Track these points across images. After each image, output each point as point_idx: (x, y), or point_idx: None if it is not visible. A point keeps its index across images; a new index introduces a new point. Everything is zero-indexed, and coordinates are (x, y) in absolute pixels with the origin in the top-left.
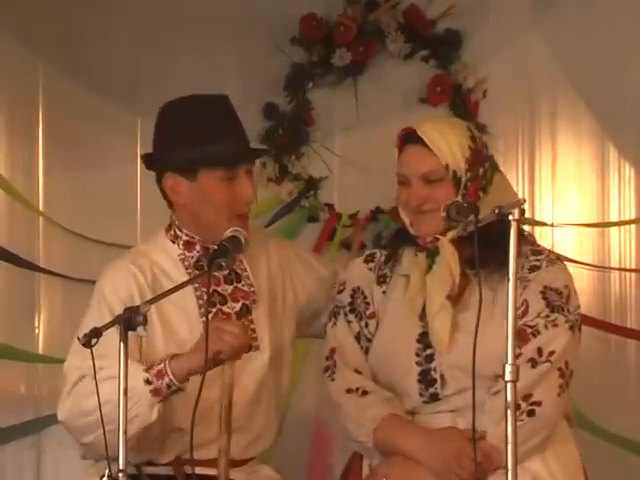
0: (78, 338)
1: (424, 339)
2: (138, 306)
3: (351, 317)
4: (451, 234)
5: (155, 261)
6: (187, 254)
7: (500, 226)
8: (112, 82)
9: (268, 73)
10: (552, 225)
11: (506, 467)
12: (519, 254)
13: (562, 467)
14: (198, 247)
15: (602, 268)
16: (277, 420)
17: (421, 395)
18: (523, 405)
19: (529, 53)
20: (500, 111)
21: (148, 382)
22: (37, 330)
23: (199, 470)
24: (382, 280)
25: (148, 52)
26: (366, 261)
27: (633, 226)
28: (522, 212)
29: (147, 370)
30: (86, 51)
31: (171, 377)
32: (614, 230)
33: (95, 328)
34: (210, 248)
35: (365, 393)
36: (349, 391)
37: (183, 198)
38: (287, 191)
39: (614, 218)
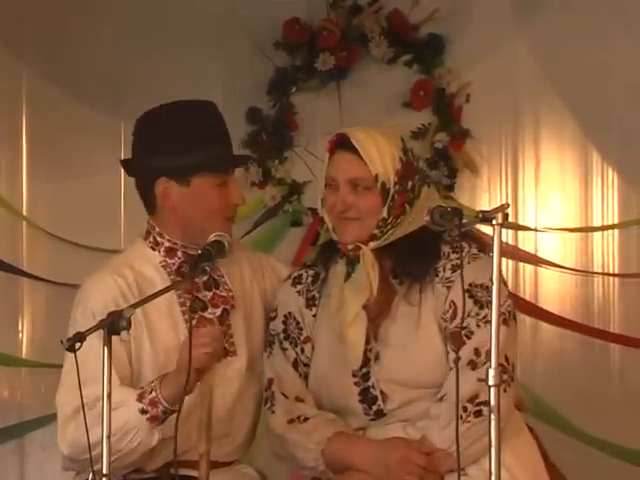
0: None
1: None
2: (122, 310)
3: (286, 344)
4: (373, 244)
5: (138, 270)
6: (169, 261)
7: (420, 237)
8: (96, 87)
9: (251, 77)
10: (535, 230)
11: (489, 471)
12: (439, 257)
13: (519, 460)
14: (180, 253)
15: (585, 273)
16: (257, 418)
17: (366, 414)
18: (469, 407)
19: (512, 58)
20: (483, 116)
21: (144, 412)
22: (21, 334)
23: (185, 472)
24: (311, 303)
25: (132, 57)
26: (294, 284)
27: (616, 231)
28: (506, 217)
29: (140, 399)
30: (70, 57)
31: (165, 405)
32: (597, 235)
33: (79, 333)
34: (192, 255)
35: (306, 419)
36: (290, 421)
37: (174, 202)
38: (270, 195)
39: (597, 223)
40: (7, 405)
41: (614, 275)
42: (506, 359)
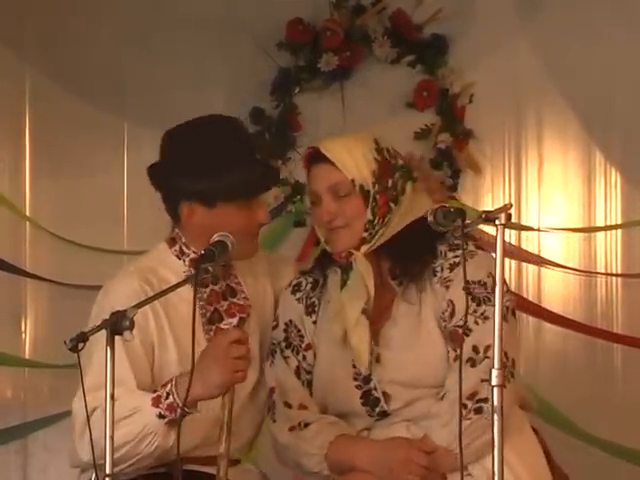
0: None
1: None
2: (125, 310)
3: (288, 352)
4: (365, 248)
5: (163, 278)
6: (193, 271)
7: (417, 237)
8: (99, 87)
9: (255, 78)
10: (538, 230)
11: (492, 471)
12: (436, 256)
13: (521, 459)
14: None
15: (588, 273)
16: (260, 426)
17: (370, 415)
18: (469, 404)
19: (515, 58)
20: (486, 116)
21: (162, 416)
22: (24, 335)
23: (196, 468)
24: (311, 310)
25: (135, 57)
26: (293, 292)
27: (619, 231)
28: (509, 217)
29: (156, 405)
30: (73, 56)
31: (185, 410)
32: (600, 235)
33: (82, 333)
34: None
35: (307, 425)
36: (292, 429)
37: (198, 220)
38: (274, 196)
39: (600, 223)
40: (10, 405)
41: (617, 275)
42: (505, 355)
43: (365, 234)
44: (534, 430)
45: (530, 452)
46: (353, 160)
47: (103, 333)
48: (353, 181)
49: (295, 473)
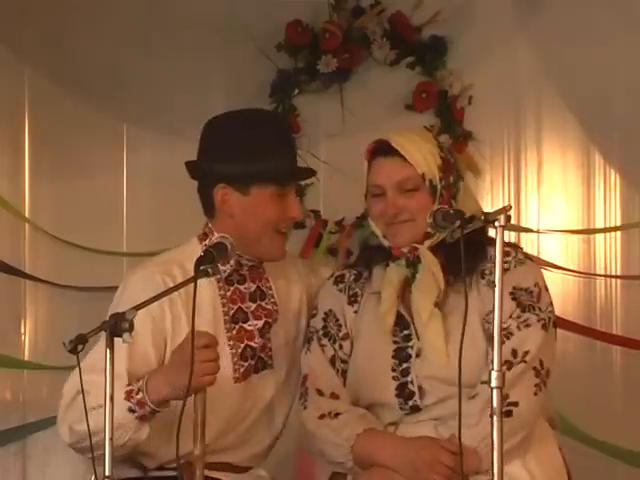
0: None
1: (399, 354)
2: (124, 312)
3: (325, 341)
4: (429, 242)
5: (188, 270)
6: (220, 267)
7: (469, 233)
8: (99, 89)
9: (254, 79)
10: (538, 231)
11: (492, 472)
12: (486, 258)
13: (542, 468)
14: (232, 261)
15: (587, 274)
16: (279, 433)
17: (402, 408)
18: None
19: (514, 60)
20: (486, 118)
21: (132, 410)
22: (23, 337)
23: (207, 473)
24: (353, 300)
25: (135, 59)
26: (336, 283)
27: (618, 233)
28: (508, 218)
29: (128, 398)
30: (73, 58)
31: (152, 406)
32: (599, 237)
33: (81, 335)
34: (243, 264)
35: (337, 415)
36: (322, 417)
37: (232, 209)
38: None
39: (599, 225)
40: (9, 407)
41: (616, 277)
42: (540, 363)
43: (430, 230)
44: (560, 450)
45: (552, 465)
46: (422, 155)
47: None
48: (423, 175)
49: (320, 461)
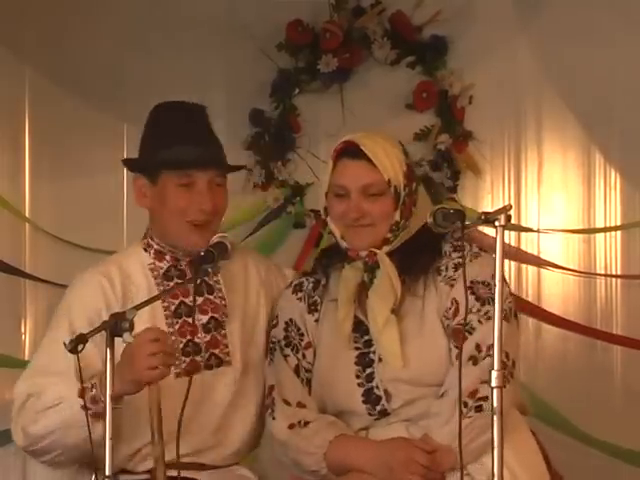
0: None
1: (361, 360)
2: (124, 312)
3: (287, 351)
4: (387, 248)
5: (125, 271)
6: (157, 264)
7: (422, 236)
8: (99, 88)
9: (254, 79)
10: (538, 231)
11: (492, 473)
12: (440, 255)
13: (519, 457)
14: (168, 257)
15: (588, 274)
16: (260, 427)
17: (370, 414)
18: (470, 402)
19: (515, 59)
20: (486, 117)
21: (86, 408)
22: (23, 336)
23: (183, 473)
24: (313, 308)
25: (135, 58)
26: (295, 291)
27: (619, 232)
28: (508, 218)
29: (82, 395)
30: (73, 58)
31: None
32: (600, 236)
33: (81, 334)
34: (180, 259)
35: (307, 423)
36: (291, 426)
37: (148, 202)
38: (273, 197)
39: (600, 224)
40: (9, 407)
41: (617, 277)
42: (506, 355)
43: (389, 235)
44: (533, 433)
45: (528, 452)
46: (390, 161)
47: (64, 314)
48: (389, 182)
49: (292, 472)
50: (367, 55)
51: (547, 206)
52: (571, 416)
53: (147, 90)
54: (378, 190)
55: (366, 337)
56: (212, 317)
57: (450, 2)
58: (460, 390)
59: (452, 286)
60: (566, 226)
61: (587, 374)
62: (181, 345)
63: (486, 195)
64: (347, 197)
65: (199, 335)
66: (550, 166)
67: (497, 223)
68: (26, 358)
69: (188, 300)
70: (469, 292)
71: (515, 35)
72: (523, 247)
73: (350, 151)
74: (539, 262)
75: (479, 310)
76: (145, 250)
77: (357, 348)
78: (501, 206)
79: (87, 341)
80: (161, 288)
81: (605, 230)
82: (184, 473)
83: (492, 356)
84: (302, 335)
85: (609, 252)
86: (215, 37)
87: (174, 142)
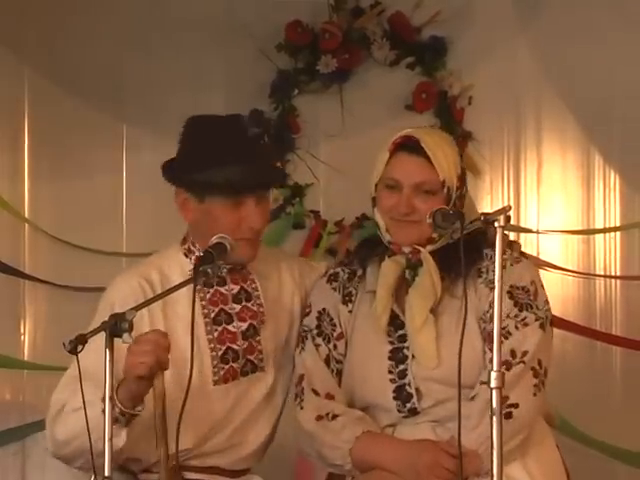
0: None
1: (395, 355)
2: (124, 313)
3: (319, 340)
4: (431, 247)
5: (166, 275)
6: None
7: (467, 234)
8: (98, 89)
9: (253, 80)
10: (537, 232)
11: (491, 473)
12: (482, 257)
13: (542, 469)
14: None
15: (587, 275)
16: (273, 433)
17: (399, 411)
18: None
19: (514, 60)
20: (485, 118)
21: (104, 412)
22: (22, 337)
23: (196, 476)
24: (348, 299)
25: (134, 59)
26: (329, 281)
27: (618, 233)
28: (508, 219)
29: (102, 399)
30: (72, 58)
31: (120, 406)
32: (599, 237)
33: (80, 335)
34: (220, 267)
35: (335, 417)
36: (319, 418)
37: (192, 216)
38: (273, 198)
39: (599, 225)
40: (9, 407)
41: (616, 277)
42: (539, 363)
43: (435, 235)
44: (557, 447)
45: (551, 464)
46: (447, 161)
47: (106, 316)
48: (444, 182)
49: (316, 463)
50: (366, 56)
51: (546, 207)
52: (570, 417)
53: (147, 90)
54: (431, 189)
55: (400, 332)
56: (251, 324)
57: (449, 3)
58: (491, 394)
59: (492, 289)
60: (565, 227)
61: (586, 375)
62: (220, 352)
63: (485, 196)
64: (399, 191)
65: (238, 342)
66: (549, 167)
67: (496, 224)
68: (26, 358)
69: (227, 307)
70: (508, 296)
71: (515, 35)
72: (522, 248)
73: (409, 146)
74: (538, 263)
75: (516, 316)
76: (186, 256)
77: (391, 342)
78: (500, 207)
79: (87, 342)
80: (201, 295)
81: (604, 231)
82: (201, 476)
83: (526, 363)
84: (335, 325)
85: (608, 253)
86: (214, 38)
87: (220, 163)
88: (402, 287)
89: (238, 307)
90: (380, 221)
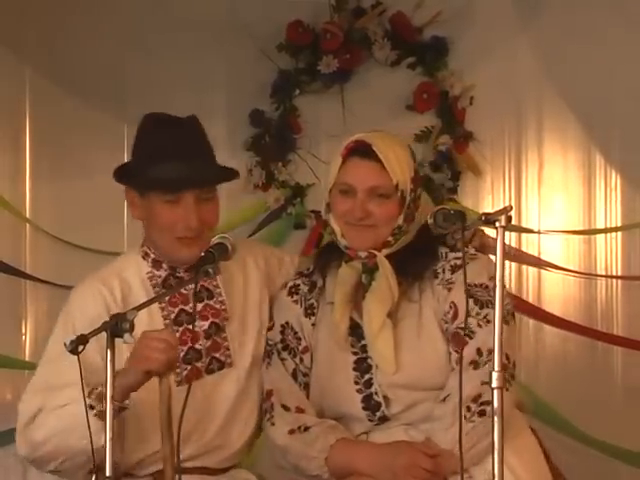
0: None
1: (360, 366)
2: (125, 313)
3: (284, 355)
4: (386, 251)
5: (125, 279)
6: (155, 272)
7: (417, 238)
8: (99, 89)
9: (255, 80)
10: (538, 232)
11: (492, 473)
12: (437, 258)
13: (521, 460)
14: (165, 266)
15: (588, 275)
16: (258, 428)
17: (370, 420)
18: (473, 407)
19: (515, 60)
20: (487, 118)
21: (91, 407)
22: (24, 337)
23: (185, 477)
24: (310, 312)
25: (135, 59)
26: (290, 294)
27: (619, 233)
28: (509, 219)
29: (89, 395)
30: (73, 59)
31: (114, 401)
32: (600, 237)
33: (82, 335)
34: (176, 268)
35: (307, 428)
36: (291, 432)
37: (137, 213)
38: (274, 198)
39: (600, 225)
40: (10, 407)
41: (617, 277)
42: (507, 358)
43: (390, 238)
44: (532, 431)
45: (530, 453)
46: (399, 165)
47: (66, 324)
48: (397, 186)
49: (292, 477)
50: (367, 56)
51: (548, 207)
52: (571, 417)
53: (147, 91)
54: (385, 192)
55: (363, 341)
56: (213, 322)
57: (450, 3)
58: (461, 395)
59: (450, 289)
60: (567, 227)
61: (587, 375)
62: (182, 353)
63: (487, 196)
64: (353, 196)
65: (200, 342)
66: (551, 167)
67: (498, 224)
68: (26, 358)
69: (188, 307)
70: (465, 295)
71: (515, 36)
72: (523, 248)
73: (361, 150)
74: (540, 263)
75: (478, 313)
76: (143, 258)
77: (355, 353)
78: (502, 207)
79: (88, 342)
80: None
81: (606, 231)
82: (189, 478)
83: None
84: (299, 339)
85: (609, 253)
86: (215, 38)
87: (159, 160)
88: (360, 293)
89: (200, 306)
90: (335, 227)
